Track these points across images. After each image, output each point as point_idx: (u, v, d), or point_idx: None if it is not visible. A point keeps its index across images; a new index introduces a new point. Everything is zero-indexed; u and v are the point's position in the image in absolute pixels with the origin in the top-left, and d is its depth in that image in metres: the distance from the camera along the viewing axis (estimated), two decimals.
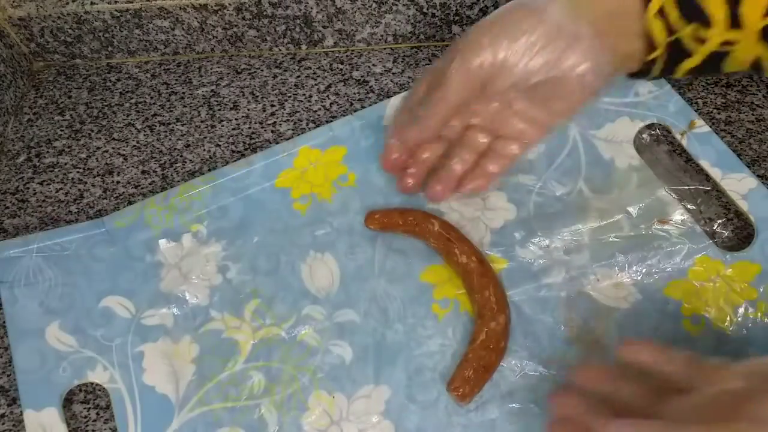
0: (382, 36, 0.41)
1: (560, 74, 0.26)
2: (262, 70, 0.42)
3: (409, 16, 0.40)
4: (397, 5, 0.39)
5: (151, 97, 0.41)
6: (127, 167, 0.38)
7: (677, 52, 0.26)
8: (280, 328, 0.31)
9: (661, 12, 0.25)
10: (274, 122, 0.39)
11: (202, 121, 0.40)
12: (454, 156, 0.30)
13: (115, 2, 0.39)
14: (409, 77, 0.40)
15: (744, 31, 0.24)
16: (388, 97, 0.37)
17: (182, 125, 0.40)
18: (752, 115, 0.36)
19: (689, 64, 0.26)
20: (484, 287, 0.29)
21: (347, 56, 0.42)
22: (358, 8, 0.39)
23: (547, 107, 0.28)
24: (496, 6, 0.39)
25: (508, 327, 0.29)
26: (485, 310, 0.29)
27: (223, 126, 0.39)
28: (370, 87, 0.40)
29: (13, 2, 0.40)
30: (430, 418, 0.28)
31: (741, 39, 0.25)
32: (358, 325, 0.30)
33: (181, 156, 0.38)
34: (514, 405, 0.28)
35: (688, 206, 0.32)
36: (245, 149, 0.38)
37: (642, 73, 0.28)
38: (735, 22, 0.24)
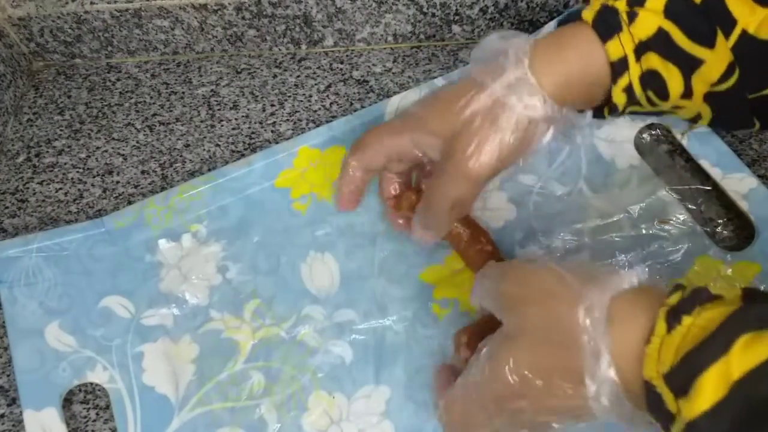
0: (382, 36, 0.41)
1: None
2: (262, 70, 0.42)
3: (409, 16, 0.40)
4: (397, 5, 0.39)
5: (151, 97, 0.41)
6: (127, 167, 0.38)
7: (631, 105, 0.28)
8: (280, 328, 0.31)
9: (628, 88, 0.26)
10: (274, 122, 0.39)
11: (201, 121, 0.40)
12: None
13: (115, 2, 0.39)
14: (409, 77, 0.40)
15: (692, 98, 0.26)
16: (388, 97, 0.37)
17: (182, 125, 0.39)
18: None
19: (637, 109, 0.28)
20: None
21: (347, 56, 0.42)
22: (358, 8, 0.39)
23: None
24: (495, 6, 0.39)
25: None
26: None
27: (222, 126, 0.39)
28: (370, 87, 0.40)
29: (13, 2, 0.40)
30: (430, 418, 0.28)
31: (688, 105, 0.27)
32: (358, 325, 0.30)
33: (181, 156, 0.38)
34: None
35: (689, 206, 0.32)
36: (245, 149, 0.38)
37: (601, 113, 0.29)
38: (687, 92, 0.26)
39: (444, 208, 0.26)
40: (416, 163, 0.29)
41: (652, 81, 0.26)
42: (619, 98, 0.26)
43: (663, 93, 0.26)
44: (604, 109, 0.28)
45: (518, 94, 0.25)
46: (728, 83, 0.25)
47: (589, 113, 0.27)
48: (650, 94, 0.26)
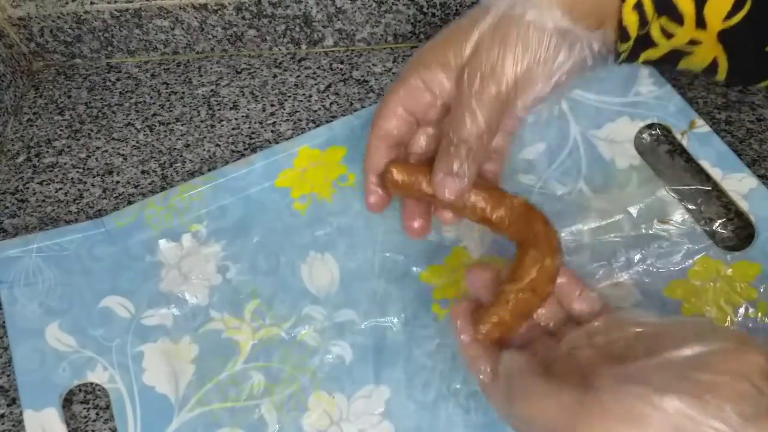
0: (382, 36, 0.41)
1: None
2: (262, 70, 0.42)
3: (409, 16, 0.40)
4: (397, 5, 0.39)
5: (151, 97, 0.41)
6: (127, 167, 0.38)
7: (643, 43, 0.26)
8: (280, 328, 0.31)
9: (638, 5, 0.25)
10: (274, 122, 0.39)
11: (201, 121, 0.40)
12: None
13: (115, 2, 0.39)
14: None
15: (707, 31, 0.25)
16: None
17: (182, 125, 0.39)
18: (752, 114, 0.36)
19: (650, 54, 0.26)
20: (536, 220, 0.25)
21: (347, 56, 0.42)
22: (358, 8, 0.39)
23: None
24: None
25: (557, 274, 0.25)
26: (541, 242, 0.24)
27: (222, 126, 0.39)
28: (370, 87, 0.40)
29: (13, 2, 0.40)
30: (430, 418, 0.28)
31: (704, 39, 0.25)
32: (358, 325, 0.30)
33: (181, 156, 0.38)
34: None
35: (689, 206, 0.32)
36: (245, 149, 0.38)
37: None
38: (700, 21, 0.25)
39: (470, 141, 0.24)
40: (434, 118, 0.27)
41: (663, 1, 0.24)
42: (629, 18, 0.25)
43: (676, 15, 0.25)
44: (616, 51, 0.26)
45: (523, 5, 0.23)
46: (740, 14, 0.24)
47: (603, 31, 0.25)
48: (663, 21, 0.25)
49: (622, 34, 0.25)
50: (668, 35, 0.26)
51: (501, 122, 0.25)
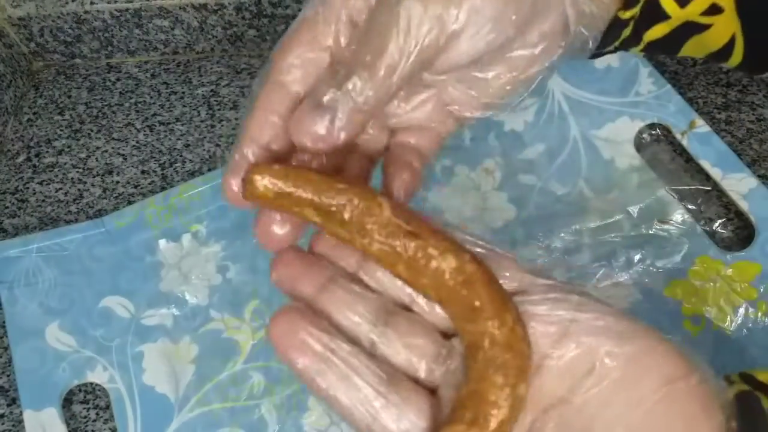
0: None
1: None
2: (262, 70, 0.42)
3: None
4: None
5: (151, 97, 0.41)
6: (127, 167, 0.38)
7: (651, 13, 0.21)
8: None
9: None
10: None
11: (201, 121, 0.40)
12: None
13: (115, 2, 0.39)
14: None
15: None
16: None
17: (182, 125, 0.39)
18: (752, 114, 0.36)
19: (655, 33, 0.22)
20: (491, 310, 0.16)
21: None
22: None
23: (484, 91, 0.20)
24: None
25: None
26: (505, 353, 0.16)
27: (223, 126, 0.39)
28: None
29: (13, 2, 0.40)
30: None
31: (726, 6, 0.21)
32: None
33: (181, 156, 0.38)
34: None
35: (689, 206, 0.32)
36: None
37: (604, 41, 0.22)
38: None
39: (365, 72, 0.17)
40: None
41: None
42: None
43: None
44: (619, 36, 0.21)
45: None
46: None
47: None
48: None
49: (624, 2, 0.21)
50: (684, 1, 0.21)
51: (413, 76, 0.18)
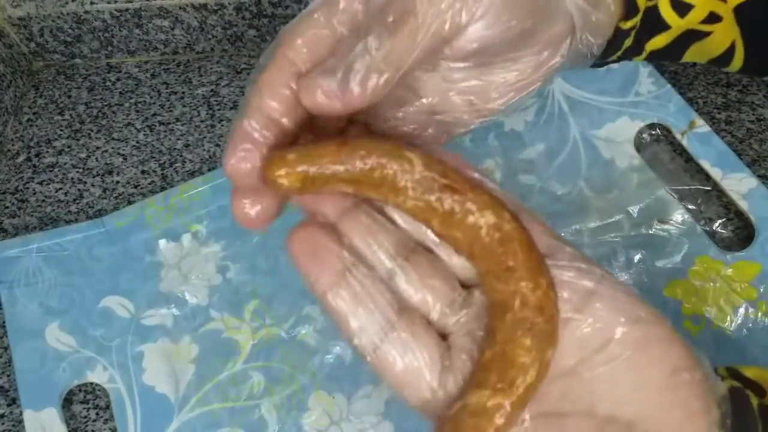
0: None
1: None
2: None
3: None
4: None
5: (151, 97, 0.41)
6: (127, 167, 0.38)
7: (651, 23, 0.22)
8: (279, 328, 0.31)
9: None
10: None
11: (201, 121, 0.40)
12: None
13: (115, 2, 0.39)
14: None
15: (727, 4, 0.21)
16: None
17: (182, 125, 0.39)
18: (752, 114, 0.36)
19: (657, 43, 0.22)
20: (525, 270, 0.16)
21: None
22: None
23: (483, 99, 0.20)
24: None
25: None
26: (536, 316, 0.15)
27: (223, 126, 0.39)
28: None
29: (13, 2, 0.40)
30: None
31: (724, 15, 0.22)
32: None
33: (181, 156, 0.38)
34: None
35: (689, 206, 0.32)
36: None
37: (607, 51, 0.23)
38: None
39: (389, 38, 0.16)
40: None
41: None
42: None
43: None
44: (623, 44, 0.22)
45: None
46: None
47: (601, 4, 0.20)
48: None
49: (628, 6, 0.21)
50: (683, 9, 0.21)
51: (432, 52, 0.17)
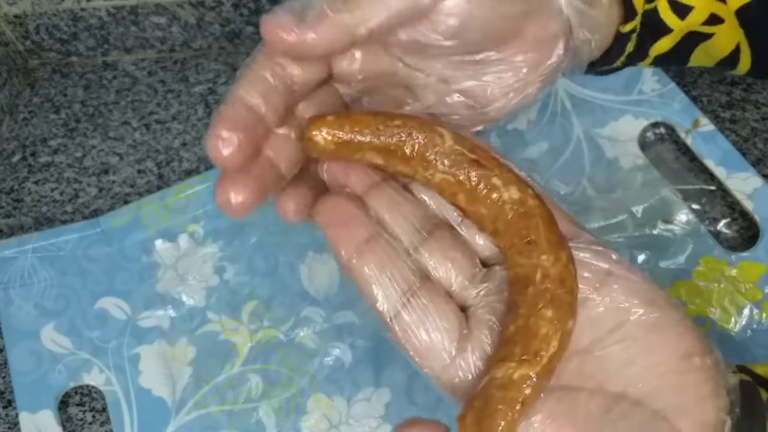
0: None
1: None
2: None
3: None
4: None
5: (148, 95, 0.41)
6: (123, 166, 0.38)
7: (653, 27, 0.22)
8: (278, 330, 0.30)
9: None
10: None
11: (199, 120, 0.39)
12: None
13: None
14: None
15: (727, 6, 0.21)
16: None
17: (179, 123, 0.39)
18: (757, 113, 0.36)
19: (661, 46, 0.22)
20: (546, 244, 0.16)
21: None
22: None
23: (482, 101, 0.20)
24: None
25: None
26: (556, 289, 0.16)
27: None
28: None
29: None
30: None
31: (726, 17, 0.22)
32: (358, 327, 0.30)
33: (178, 155, 0.38)
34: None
35: (693, 206, 0.32)
36: None
37: (609, 57, 0.22)
38: None
39: None
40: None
41: None
42: None
43: None
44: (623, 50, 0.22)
45: None
46: None
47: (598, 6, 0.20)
48: None
49: (627, 9, 0.21)
50: (682, 12, 0.21)
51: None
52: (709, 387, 0.16)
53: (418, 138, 0.17)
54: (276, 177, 0.18)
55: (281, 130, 0.18)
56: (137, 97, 0.41)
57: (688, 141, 0.33)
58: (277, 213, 0.19)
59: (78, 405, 0.30)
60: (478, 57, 0.19)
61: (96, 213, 0.36)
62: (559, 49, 0.20)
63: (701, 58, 0.24)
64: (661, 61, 0.24)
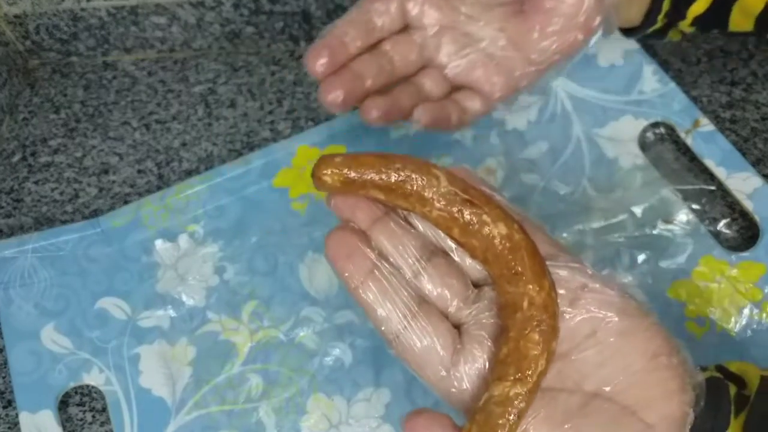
0: None
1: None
2: (260, 68, 0.41)
3: None
4: None
5: (148, 95, 0.41)
6: (123, 166, 0.38)
7: None
8: (278, 330, 0.30)
9: None
10: (272, 120, 0.39)
11: (198, 120, 0.39)
12: (400, 90, 0.25)
13: None
14: None
15: None
16: None
17: (179, 123, 0.39)
18: (757, 113, 0.36)
19: (697, 7, 0.24)
20: (530, 274, 0.18)
21: None
22: None
23: (527, 47, 0.24)
24: None
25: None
26: (539, 315, 0.18)
27: (220, 124, 0.39)
28: None
29: None
30: None
31: None
32: (358, 327, 0.30)
33: (178, 155, 0.38)
34: None
35: (693, 206, 0.32)
36: (243, 148, 0.38)
37: (645, 21, 0.24)
38: None
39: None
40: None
41: None
42: None
43: None
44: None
45: None
46: None
47: None
48: None
49: None
50: None
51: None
52: (675, 383, 0.18)
53: (416, 179, 0.19)
54: (361, 85, 0.24)
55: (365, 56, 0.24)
56: (137, 97, 0.41)
57: (688, 141, 0.33)
58: (360, 116, 0.24)
59: (78, 405, 0.30)
60: (524, 7, 0.23)
61: (96, 213, 0.36)
62: (597, 9, 0.23)
63: (739, 19, 0.25)
64: (701, 24, 0.25)
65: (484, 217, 0.19)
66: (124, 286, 0.32)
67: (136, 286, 0.32)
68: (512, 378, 0.18)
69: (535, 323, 0.18)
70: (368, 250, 0.19)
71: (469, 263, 0.20)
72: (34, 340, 0.30)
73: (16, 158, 0.39)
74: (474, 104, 0.25)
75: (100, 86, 0.42)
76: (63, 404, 0.30)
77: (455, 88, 0.26)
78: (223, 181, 0.34)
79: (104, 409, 0.30)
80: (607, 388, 0.18)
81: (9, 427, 0.30)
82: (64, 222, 0.36)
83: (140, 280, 0.32)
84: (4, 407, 0.30)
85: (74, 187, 0.37)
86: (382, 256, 0.20)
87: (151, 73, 0.42)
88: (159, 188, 0.36)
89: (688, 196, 0.32)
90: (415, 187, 0.19)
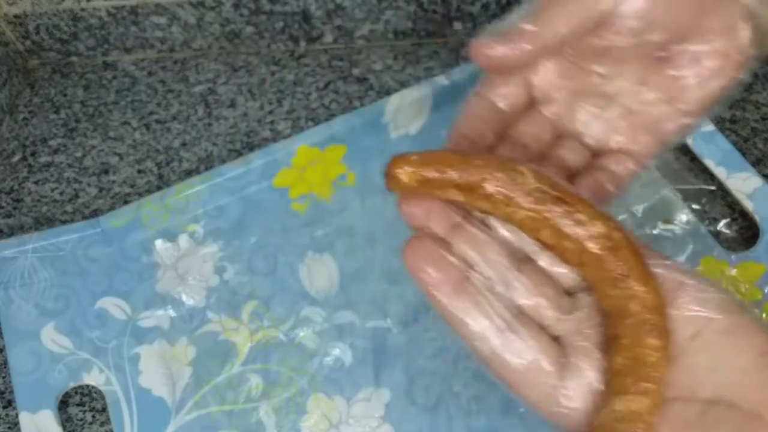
0: (382, 32, 0.41)
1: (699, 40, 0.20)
2: (260, 68, 0.41)
3: (409, 12, 0.39)
4: (397, 1, 0.39)
5: (148, 95, 0.41)
6: (123, 166, 0.38)
7: None
8: (278, 330, 0.30)
9: None
10: (272, 120, 0.39)
11: (198, 120, 0.39)
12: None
13: None
14: (409, 74, 0.40)
15: None
16: (388, 95, 0.37)
17: (179, 123, 0.39)
18: (757, 113, 0.36)
19: None
20: (643, 276, 0.17)
21: (347, 53, 0.41)
22: (358, 4, 0.39)
23: (679, 98, 0.20)
24: (497, 2, 0.38)
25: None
26: (648, 323, 0.16)
27: (220, 124, 0.39)
28: (369, 84, 0.39)
29: None
30: (431, 421, 0.28)
31: None
32: (358, 327, 0.30)
33: (178, 155, 0.38)
34: (521, 410, 0.27)
35: (693, 206, 0.32)
36: (243, 148, 0.38)
37: None
38: None
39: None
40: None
41: None
42: None
43: None
44: None
45: None
46: None
47: None
48: None
49: None
50: None
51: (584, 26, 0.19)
52: None
53: (499, 177, 0.17)
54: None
55: None
56: (137, 97, 0.41)
57: (688, 141, 0.33)
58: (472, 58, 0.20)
59: (78, 405, 0.30)
60: (666, 54, 0.20)
61: (96, 213, 0.36)
62: (744, 33, 0.20)
63: None
64: None
65: (578, 215, 0.17)
66: (124, 286, 0.32)
67: (136, 286, 0.32)
68: (633, 389, 0.16)
69: (648, 327, 0.16)
70: (452, 258, 0.18)
71: (557, 269, 0.18)
72: (34, 340, 0.30)
73: (16, 158, 0.39)
74: (626, 166, 0.22)
75: (100, 86, 0.42)
76: (63, 404, 0.30)
77: (599, 153, 0.22)
78: (223, 181, 0.34)
79: (104, 409, 0.30)
80: (726, 394, 0.16)
81: (9, 427, 0.30)
82: (64, 222, 0.36)
83: (140, 280, 0.32)
84: (4, 407, 0.30)
85: (74, 187, 0.37)
86: (467, 265, 0.18)
87: (151, 73, 0.42)
88: (159, 188, 0.36)
89: (688, 196, 0.32)
90: (497, 186, 0.17)
